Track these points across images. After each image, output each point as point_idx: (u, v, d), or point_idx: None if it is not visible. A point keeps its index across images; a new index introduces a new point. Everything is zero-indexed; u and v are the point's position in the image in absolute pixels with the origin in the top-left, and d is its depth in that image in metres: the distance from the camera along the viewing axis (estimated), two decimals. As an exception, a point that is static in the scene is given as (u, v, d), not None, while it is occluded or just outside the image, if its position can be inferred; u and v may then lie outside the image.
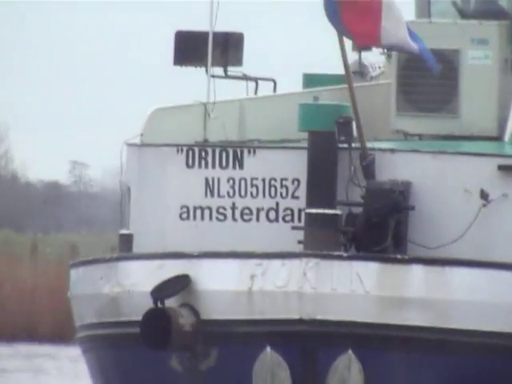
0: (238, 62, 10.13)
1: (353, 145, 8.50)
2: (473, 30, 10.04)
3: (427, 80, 9.81)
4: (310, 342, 7.68)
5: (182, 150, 9.15)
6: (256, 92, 10.53)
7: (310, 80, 10.70)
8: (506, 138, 9.46)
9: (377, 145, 8.81)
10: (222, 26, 9.49)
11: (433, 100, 10.06)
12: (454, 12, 10.68)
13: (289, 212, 8.78)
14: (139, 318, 8.11)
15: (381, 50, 10.51)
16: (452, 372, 7.71)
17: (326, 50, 10.30)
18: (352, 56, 10.81)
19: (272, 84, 10.81)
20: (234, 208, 8.89)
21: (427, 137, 10.12)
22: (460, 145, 9.66)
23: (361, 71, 11.20)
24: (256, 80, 10.52)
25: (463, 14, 10.54)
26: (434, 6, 10.85)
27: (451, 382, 7.73)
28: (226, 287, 8.06)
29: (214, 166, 9.07)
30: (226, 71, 9.94)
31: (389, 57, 10.59)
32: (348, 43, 9.47)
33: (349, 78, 8.66)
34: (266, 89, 10.92)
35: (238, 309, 8.00)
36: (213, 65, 9.51)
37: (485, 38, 9.98)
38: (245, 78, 10.41)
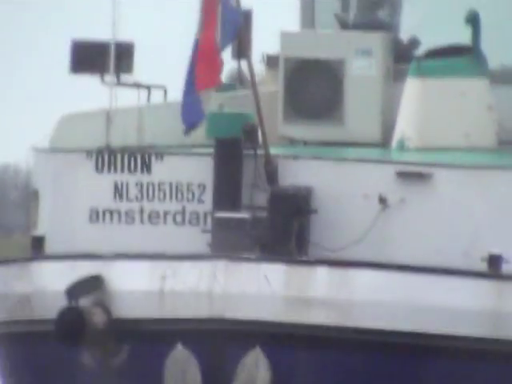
0: (130, 70, 10.39)
1: (257, 151, 8.87)
2: (357, 40, 10.54)
3: (313, 89, 10.30)
4: (219, 339, 7.95)
5: (91, 155, 9.38)
6: (149, 99, 10.85)
7: None
8: (394, 144, 9.89)
9: (281, 151, 9.24)
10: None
11: (318, 108, 10.43)
12: (337, 23, 11.22)
13: (195, 216, 9.09)
14: (52, 316, 8.18)
15: (260, 57, 11.09)
16: (354, 368, 8.15)
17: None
18: (232, 64, 11.33)
19: (163, 91, 11.21)
20: (141, 211, 9.17)
21: (313, 143, 10.55)
22: (344, 151, 10.08)
23: (240, 79, 11.50)
24: (148, 88, 10.86)
25: (345, 26, 11.11)
26: (318, 17, 11.29)
27: (354, 377, 8.17)
28: (138, 287, 8.31)
29: (122, 171, 9.34)
30: (118, 79, 10.10)
31: (269, 65, 11.09)
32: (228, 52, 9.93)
33: (254, 87, 9.03)
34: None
35: (149, 308, 8.25)
36: (106, 72, 9.72)
37: (368, 49, 10.41)
38: (137, 85, 10.66)
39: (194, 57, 8.73)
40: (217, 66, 8.71)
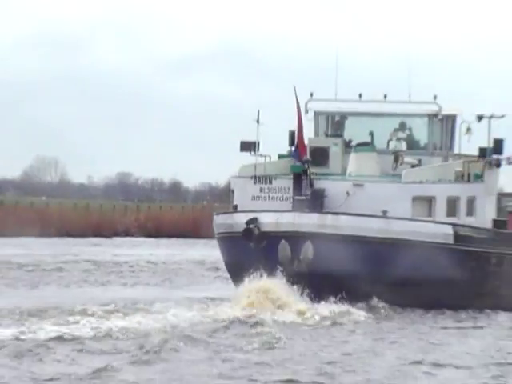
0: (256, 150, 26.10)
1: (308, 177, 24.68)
2: (336, 141, 27.04)
3: None
4: (296, 238, 23.39)
5: (251, 178, 24.69)
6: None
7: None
8: (347, 175, 25.67)
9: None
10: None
11: None
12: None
13: (288, 199, 24.41)
14: (241, 230, 23.14)
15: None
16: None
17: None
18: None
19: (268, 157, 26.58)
20: (268, 198, 24.43)
21: None
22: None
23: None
24: (265, 156, 26.00)
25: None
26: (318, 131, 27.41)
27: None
28: (268, 220, 23.26)
29: (260, 183, 24.63)
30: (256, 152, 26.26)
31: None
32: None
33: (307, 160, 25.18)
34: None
35: (271, 226, 23.10)
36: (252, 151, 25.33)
37: (336, 144, 26.74)
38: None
39: (298, 142, 24.67)
40: (304, 149, 24.62)
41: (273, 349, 17.92)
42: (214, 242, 29.43)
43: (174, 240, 63.05)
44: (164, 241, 61.68)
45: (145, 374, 15.30)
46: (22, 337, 19.86)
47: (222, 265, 28.98)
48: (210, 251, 43.85)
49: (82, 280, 35.84)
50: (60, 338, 19.54)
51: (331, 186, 24.99)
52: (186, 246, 58.40)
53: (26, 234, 55.19)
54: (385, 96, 26.53)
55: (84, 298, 26.43)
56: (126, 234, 60.20)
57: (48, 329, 20.42)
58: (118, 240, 60.30)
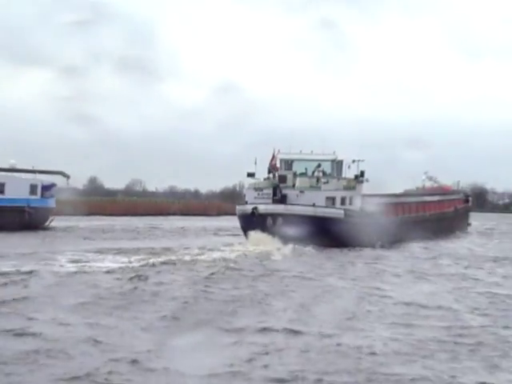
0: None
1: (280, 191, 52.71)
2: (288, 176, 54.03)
3: None
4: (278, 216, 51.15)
5: (252, 187, 51.92)
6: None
7: None
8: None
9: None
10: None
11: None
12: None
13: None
14: (249, 211, 48.14)
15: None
16: None
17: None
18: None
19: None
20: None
21: None
22: None
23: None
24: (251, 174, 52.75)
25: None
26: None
27: None
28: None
29: (261, 191, 51.18)
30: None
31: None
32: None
33: (275, 180, 53.81)
34: None
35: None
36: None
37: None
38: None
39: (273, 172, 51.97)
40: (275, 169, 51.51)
41: (267, 259, 34.94)
42: (216, 217, 59.91)
43: (198, 217, 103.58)
44: (194, 217, 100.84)
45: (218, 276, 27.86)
46: (151, 261, 31.81)
47: (224, 228, 57.88)
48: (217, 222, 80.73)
49: (161, 237, 56.23)
50: (168, 262, 31.71)
51: (289, 193, 47.24)
52: (205, 219, 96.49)
53: (129, 215, 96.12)
54: (312, 151, 51.82)
55: (171, 244, 44.40)
56: (173, 214, 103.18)
57: (160, 260, 32.28)
58: (171, 217, 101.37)
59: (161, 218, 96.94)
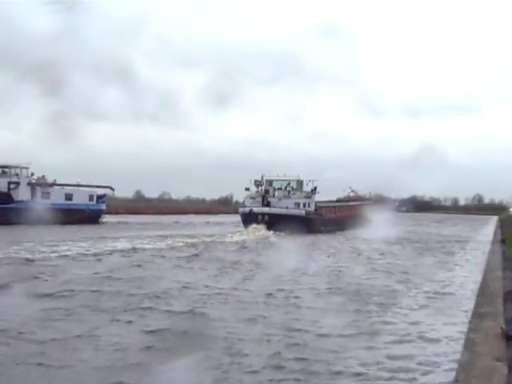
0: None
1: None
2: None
3: None
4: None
5: (249, 197, 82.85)
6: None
7: None
8: None
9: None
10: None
11: None
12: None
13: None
14: (247, 212, 78.00)
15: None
16: None
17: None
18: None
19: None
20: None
21: None
22: None
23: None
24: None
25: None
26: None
27: None
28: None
29: (254, 199, 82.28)
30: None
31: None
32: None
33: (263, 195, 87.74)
34: None
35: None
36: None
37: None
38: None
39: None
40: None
41: (263, 243, 52.79)
42: (216, 215, 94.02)
43: (204, 215, 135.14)
44: (201, 215, 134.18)
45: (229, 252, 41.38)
46: (177, 245, 46.73)
47: (226, 222, 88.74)
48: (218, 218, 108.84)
49: (182, 228, 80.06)
50: (201, 243, 48.74)
51: (272, 200, 72.50)
52: (209, 217, 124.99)
53: (159, 213, 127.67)
54: (284, 174, 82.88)
55: (194, 232, 70.85)
56: (188, 213, 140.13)
57: (184, 243, 49.08)
58: (187, 215, 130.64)
59: (180, 215, 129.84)
